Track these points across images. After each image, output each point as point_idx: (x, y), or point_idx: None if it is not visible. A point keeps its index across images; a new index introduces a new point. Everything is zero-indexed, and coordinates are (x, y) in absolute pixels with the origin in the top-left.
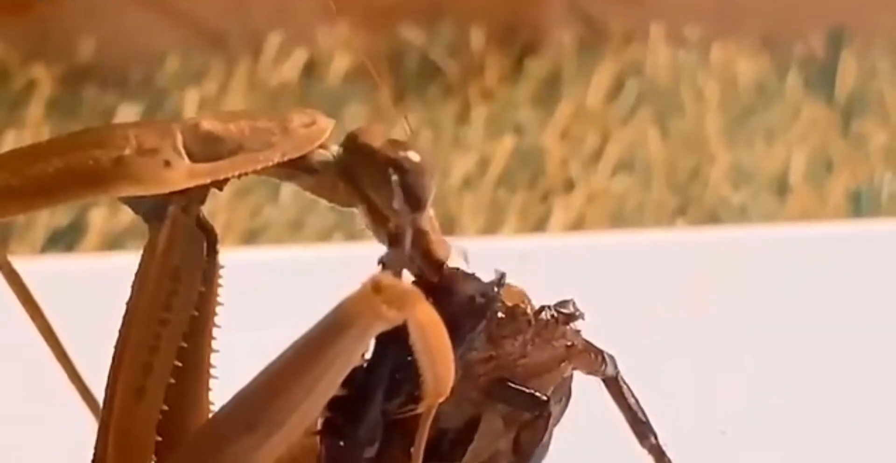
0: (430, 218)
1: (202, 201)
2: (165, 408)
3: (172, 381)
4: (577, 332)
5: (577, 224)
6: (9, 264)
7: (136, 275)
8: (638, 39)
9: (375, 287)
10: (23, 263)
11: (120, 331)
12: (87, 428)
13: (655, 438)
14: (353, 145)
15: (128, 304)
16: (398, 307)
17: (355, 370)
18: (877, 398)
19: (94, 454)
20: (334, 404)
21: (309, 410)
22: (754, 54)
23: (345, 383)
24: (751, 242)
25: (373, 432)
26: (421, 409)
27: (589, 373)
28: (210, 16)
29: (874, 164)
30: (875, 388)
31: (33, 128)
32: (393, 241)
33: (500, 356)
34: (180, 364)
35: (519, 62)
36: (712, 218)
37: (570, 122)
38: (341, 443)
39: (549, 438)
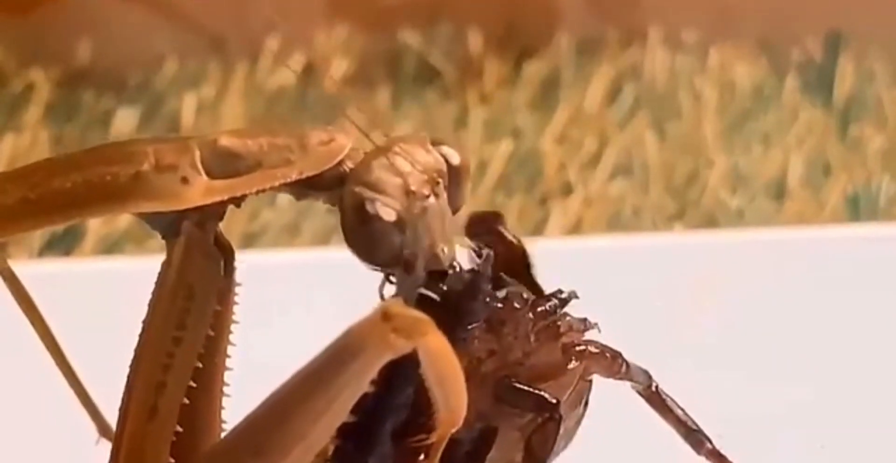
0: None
1: (220, 218)
2: (179, 429)
3: (186, 401)
4: (581, 326)
5: (575, 228)
6: (9, 269)
7: (153, 292)
8: (636, 43)
9: (385, 315)
10: (21, 267)
11: (135, 348)
12: (85, 431)
13: (711, 442)
14: (339, 194)
15: (143, 321)
16: (408, 336)
17: (365, 397)
18: (875, 401)
19: None
20: (344, 431)
21: (317, 438)
22: (752, 58)
23: (354, 410)
24: (748, 245)
25: (383, 460)
26: (433, 439)
27: (608, 376)
28: (208, 20)
29: (872, 168)
30: (873, 391)
31: (31, 131)
32: (406, 267)
33: (502, 349)
34: (194, 384)
35: (517, 66)
36: (710, 222)
37: (567, 126)
38: None
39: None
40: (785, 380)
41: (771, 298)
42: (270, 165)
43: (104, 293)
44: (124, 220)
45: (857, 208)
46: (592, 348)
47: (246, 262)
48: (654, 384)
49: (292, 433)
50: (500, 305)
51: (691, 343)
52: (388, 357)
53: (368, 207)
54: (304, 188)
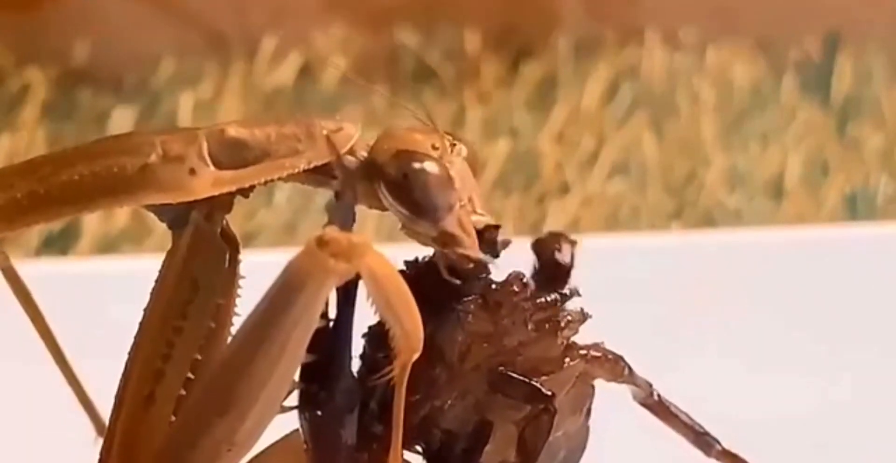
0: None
1: (227, 210)
2: (174, 418)
3: (183, 392)
4: (580, 318)
5: (573, 227)
6: (12, 268)
7: (157, 280)
8: (633, 43)
9: (320, 242)
10: (17, 267)
11: (135, 336)
12: (85, 429)
13: (720, 444)
14: (370, 156)
15: (145, 309)
16: (346, 259)
17: (321, 333)
18: (874, 401)
19: (100, 459)
20: (306, 373)
21: (279, 383)
22: (750, 58)
23: (313, 349)
24: (746, 245)
25: (350, 398)
26: (396, 369)
27: (611, 380)
28: (205, 19)
29: (870, 167)
30: (872, 390)
31: (28, 131)
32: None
33: (498, 333)
34: (192, 376)
35: (514, 65)
36: (707, 221)
37: (565, 126)
38: (319, 412)
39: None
40: (784, 379)
41: (769, 298)
42: (279, 155)
43: (101, 293)
44: (121, 219)
45: (855, 208)
46: (594, 352)
47: (243, 261)
48: (654, 392)
49: (253, 383)
50: (496, 286)
51: (689, 343)
52: (331, 284)
53: (416, 165)
54: (318, 176)
